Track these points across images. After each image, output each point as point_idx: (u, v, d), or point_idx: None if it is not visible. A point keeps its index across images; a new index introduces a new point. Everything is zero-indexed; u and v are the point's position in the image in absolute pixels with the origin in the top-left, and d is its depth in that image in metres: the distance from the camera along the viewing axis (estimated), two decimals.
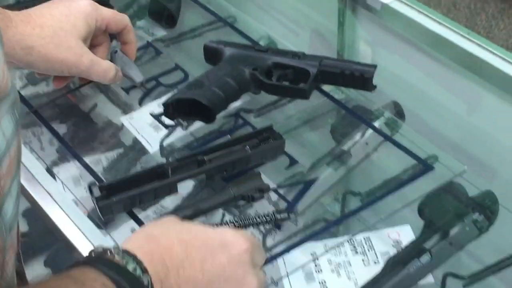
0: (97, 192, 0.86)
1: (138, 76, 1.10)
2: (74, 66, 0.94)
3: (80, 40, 0.94)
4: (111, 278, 0.54)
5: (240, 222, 0.88)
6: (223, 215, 1.03)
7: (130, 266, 0.56)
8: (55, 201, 0.92)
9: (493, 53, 1.00)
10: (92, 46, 1.00)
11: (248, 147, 0.93)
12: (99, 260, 0.57)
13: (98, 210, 0.86)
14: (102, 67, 0.97)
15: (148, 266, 0.57)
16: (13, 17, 0.90)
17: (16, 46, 0.90)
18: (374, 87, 1.01)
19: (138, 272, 0.56)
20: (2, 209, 0.58)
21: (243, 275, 0.61)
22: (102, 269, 0.55)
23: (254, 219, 0.89)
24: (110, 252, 0.57)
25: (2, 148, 0.57)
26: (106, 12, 0.99)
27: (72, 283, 0.53)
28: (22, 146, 0.99)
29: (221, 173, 0.92)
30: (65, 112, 1.14)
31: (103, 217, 0.87)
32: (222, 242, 0.62)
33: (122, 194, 0.87)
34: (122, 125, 1.09)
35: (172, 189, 0.90)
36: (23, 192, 0.95)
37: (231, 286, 0.60)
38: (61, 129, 1.08)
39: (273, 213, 0.90)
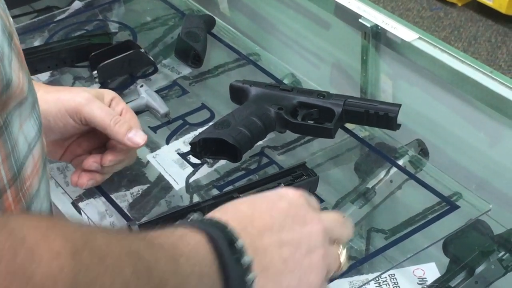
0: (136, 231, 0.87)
1: (162, 107, 1.13)
2: (71, 99, 0.87)
3: (87, 93, 0.90)
4: (202, 229, 0.58)
5: None
6: None
7: (213, 222, 0.60)
8: None
9: None
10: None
11: (282, 184, 0.94)
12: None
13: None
14: (105, 107, 0.90)
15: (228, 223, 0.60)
16: None
17: None
18: (399, 126, 1.02)
19: (221, 224, 0.59)
20: (30, 209, 0.61)
21: (305, 213, 0.65)
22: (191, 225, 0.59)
23: None
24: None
25: (24, 151, 0.60)
26: (125, 104, 0.94)
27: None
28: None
29: None
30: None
31: None
32: (278, 194, 0.66)
33: (157, 217, 0.88)
34: (147, 162, 1.10)
35: None
36: None
37: (298, 225, 0.64)
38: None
39: None
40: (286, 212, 0.64)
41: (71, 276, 0.43)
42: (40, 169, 0.63)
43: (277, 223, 0.63)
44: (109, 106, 0.90)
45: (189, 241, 0.56)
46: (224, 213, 0.62)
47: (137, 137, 0.89)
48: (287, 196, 0.66)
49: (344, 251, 0.68)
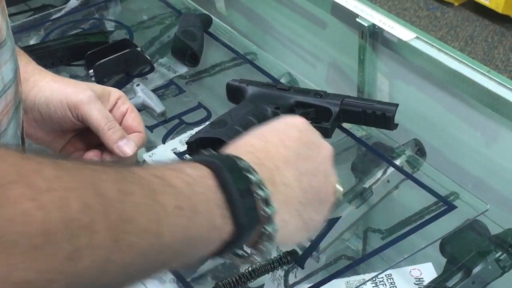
0: None
1: (159, 106, 1.13)
2: (74, 93, 0.85)
3: (92, 91, 0.87)
4: (206, 162, 0.55)
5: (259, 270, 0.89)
6: None
7: (223, 157, 0.57)
8: None
9: None
10: None
11: None
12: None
13: None
14: (104, 110, 0.87)
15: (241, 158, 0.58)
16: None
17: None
18: (396, 126, 1.02)
19: (232, 158, 0.56)
20: None
21: (315, 138, 0.65)
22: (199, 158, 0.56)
23: (270, 265, 0.89)
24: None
25: None
26: (131, 104, 0.91)
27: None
28: None
29: None
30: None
31: None
32: (286, 123, 0.65)
33: None
34: (144, 161, 1.10)
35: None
36: None
37: (312, 152, 0.63)
38: None
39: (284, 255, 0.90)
40: (299, 140, 0.63)
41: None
42: (11, 111, 0.64)
43: (293, 154, 0.61)
44: (115, 104, 0.89)
45: (188, 173, 0.53)
46: (236, 149, 0.60)
47: (127, 146, 0.86)
48: (295, 123, 0.65)
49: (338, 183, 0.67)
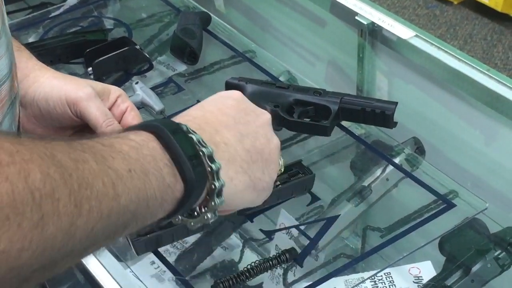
0: None
1: (158, 104, 1.13)
2: (73, 90, 0.85)
3: (92, 88, 0.87)
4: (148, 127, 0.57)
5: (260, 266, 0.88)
6: (243, 249, 1.04)
7: (164, 122, 0.59)
8: None
9: None
10: None
11: (278, 182, 0.94)
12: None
13: (132, 248, 0.87)
14: (103, 107, 0.87)
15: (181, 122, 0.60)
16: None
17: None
18: (395, 124, 1.01)
19: (173, 122, 0.59)
20: None
21: (252, 107, 0.67)
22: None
23: (269, 262, 0.89)
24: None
25: None
26: (131, 102, 0.90)
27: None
28: None
29: (251, 209, 0.92)
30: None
31: (138, 254, 0.88)
32: (221, 96, 0.67)
33: (156, 232, 0.88)
34: None
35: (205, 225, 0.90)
36: None
37: (251, 117, 0.65)
38: None
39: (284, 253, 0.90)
40: (237, 108, 0.65)
41: None
42: (5, 106, 0.65)
43: (231, 119, 0.63)
44: (115, 102, 0.89)
45: (133, 138, 0.55)
46: (176, 118, 0.62)
47: None
48: (231, 95, 0.67)
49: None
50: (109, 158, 0.52)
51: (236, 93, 0.68)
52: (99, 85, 0.89)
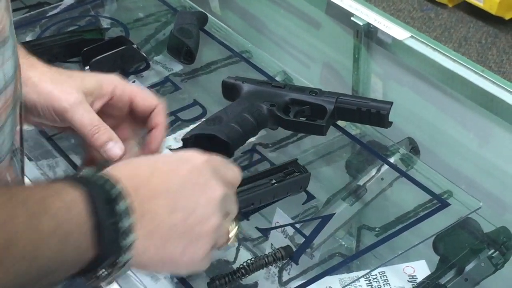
0: None
1: None
2: (58, 100, 0.84)
3: (81, 90, 0.84)
4: (79, 187, 0.57)
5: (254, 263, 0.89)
6: (238, 249, 1.04)
7: (100, 179, 0.59)
8: None
9: (506, 90, 1.02)
10: (113, 126, 0.88)
11: (274, 180, 0.94)
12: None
13: None
14: (89, 115, 0.84)
15: (119, 182, 0.60)
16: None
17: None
18: (390, 124, 1.02)
19: (109, 182, 0.59)
20: None
21: (206, 181, 0.65)
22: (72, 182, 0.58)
23: (265, 259, 0.90)
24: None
25: (0, 86, 0.62)
26: (131, 86, 0.89)
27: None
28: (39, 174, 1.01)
29: (247, 207, 0.93)
30: (81, 144, 1.15)
31: None
32: (182, 158, 0.66)
33: None
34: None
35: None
36: None
37: (197, 192, 0.64)
38: (76, 161, 1.09)
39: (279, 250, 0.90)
40: (187, 177, 0.64)
41: None
42: (9, 108, 0.65)
43: (175, 187, 0.63)
44: (113, 96, 0.87)
45: (64, 197, 0.56)
46: (121, 170, 0.62)
47: (114, 148, 0.84)
48: (191, 161, 0.66)
49: (235, 228, 0.69)
50: (38, 215, 0.53)
51: (198, 160, 0.66)
52: (92, 82, 0.86)
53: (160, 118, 0.87)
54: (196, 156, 0.67)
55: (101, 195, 0.57)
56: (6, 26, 0.62)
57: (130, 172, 0.62)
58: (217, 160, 0.69)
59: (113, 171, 0.62)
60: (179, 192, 0.63)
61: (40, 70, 0.86)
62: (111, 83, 0.87)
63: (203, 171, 0.65)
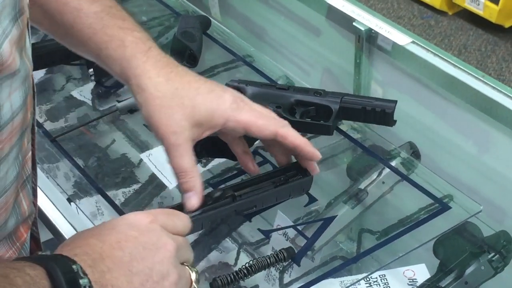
0: None
1: None
2: (161, 133, 0.83)
3: (188, 124, 0.83)
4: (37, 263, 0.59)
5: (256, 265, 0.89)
6: (238, 253, 1.05)
7: (57, 258, 0.61)
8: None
9: (507, 95, 1.02)
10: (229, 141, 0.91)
11: (277, 183, 0.95)
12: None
13: None
14: (180, 160, 0.83)
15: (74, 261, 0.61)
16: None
17: (128, 71, 0.85)
18: (395, 122, 1.02)
19: (66, 261, 0.60)
20: None
21: (156, 239, 0.66)
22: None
23: (267, 260, 0.90)
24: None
25: (7, 117, 0.63)
26: (246, 117, 0.86)
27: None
28: (44, 176, 1.02)
29: (250, 209, 0.93)
30: (82, 147, 1.16)
31: None
32: (127, 224, 0.67)
33: None
34: (140, 161, 1.11)
35: (204, 224, 0.90)
36: (45, 221, 0.97)
37: (150, 252, 0.65)
38: (80, 163, 1.10)
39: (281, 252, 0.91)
40: (137, 241, 0.65)
41: None
42: (14, 138, 0.66)
43: (127, 255, 0.64)
44: (225, 128, 0.86)
45: (28, 271, 0.58)
46: (74, 248, 0.63)
47: (191, 200, 0.84)
48: (137, 224, 0.66)
49: (194, 272, 0.69)
50: None
51: (143, 221, 0.67)
52: (202, 112, 0.84)
53: (287, 143, 0.88)
54: (140, 218, 0.67)
55: (63, 272, 0.59)
56: (16, 59, 0.62)
57: (83, 250, 0.63)
58: (162, 214, 0.70)
59: (66, 249, 0.63)
60: (132, 258, 0.64)
61: (153, 79, 0.83)
62: (223, 116, 0.85)
63: (152, 231, 0.66)
